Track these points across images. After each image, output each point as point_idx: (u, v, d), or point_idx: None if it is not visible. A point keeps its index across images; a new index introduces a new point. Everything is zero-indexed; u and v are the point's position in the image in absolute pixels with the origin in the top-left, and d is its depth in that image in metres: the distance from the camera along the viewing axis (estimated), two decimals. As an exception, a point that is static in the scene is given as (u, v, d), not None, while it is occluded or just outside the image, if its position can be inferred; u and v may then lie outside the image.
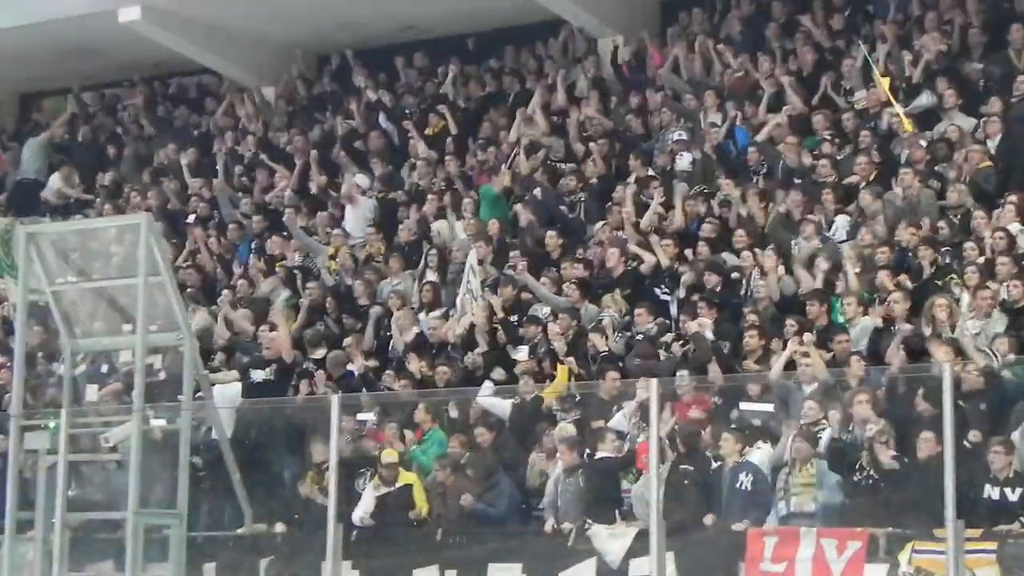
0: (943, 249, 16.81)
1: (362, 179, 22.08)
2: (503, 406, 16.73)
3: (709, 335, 16.43)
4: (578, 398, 16.39)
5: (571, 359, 16.88)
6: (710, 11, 22.85)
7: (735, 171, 19.41)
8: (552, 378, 16.85)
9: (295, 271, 20.70)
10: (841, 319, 16.28)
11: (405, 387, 17.55)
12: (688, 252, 18.33)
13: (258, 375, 17.92)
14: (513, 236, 20.02)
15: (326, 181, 22.56)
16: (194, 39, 24.74)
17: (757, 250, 17.56)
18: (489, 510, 15.74)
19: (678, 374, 15.81)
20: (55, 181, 24.93)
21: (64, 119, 26.51)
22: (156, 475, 15.90)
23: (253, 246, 21.74)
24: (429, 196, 21.18)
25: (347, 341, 18.67)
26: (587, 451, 15.44)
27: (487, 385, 17.13)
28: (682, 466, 14.78)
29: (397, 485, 16.08)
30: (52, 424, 15.94)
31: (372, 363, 18.27)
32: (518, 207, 20.32)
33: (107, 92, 27.19)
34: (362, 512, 16.07)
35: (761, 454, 14.70)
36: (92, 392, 17.20)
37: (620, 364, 16.65)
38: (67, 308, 16.56)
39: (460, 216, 20.44)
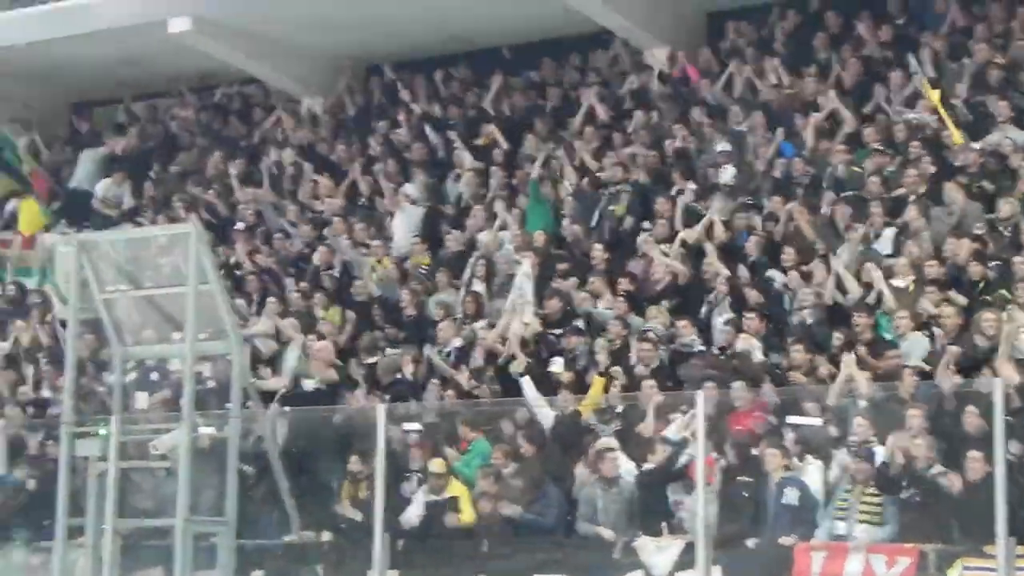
0: (992, 264, 16.75)
1: (411, 189, 22.15)
2: (547, 415, 16.76)
3: (759, 355, 16.39)
4: (618, 410, 16.40)
5: (618, 368, 16.87)
6: (757, 23, 22.82)
7: (781, 185, 19.38)
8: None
9: (343, 280, 20.78)
10: (889, 336, 16.24)
11: (449, 398, 17.59)
12: (725, 265, 18.31)
13: (308, 384, 17.94)
14: (558, 247, 20.04)
15: (373, 191, 22.65)
16: (243, 49, 24.85)
17: (804, 267, 17.55)
18: (538, 519, 15.75)
19: (734, 386, 15.80)
20: (104, 187, 25.11)
21: (122, 137, 26.71)
22: (205, 483, 16.01)
23: (301, 255, 21.84)
24: (475, 207, 21.24)
25: (395, 350, 18.74)
26: (633, 462, 15.46)
27: (526, 382, 17.14)
28: (737, 479, 14.78)
29: (445, 495, 16.13)
30: (103, 431, 16.08)
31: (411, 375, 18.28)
32: (565, 220, 20.35)
33: (156, 102, 27.33)
34: (412, 514, 16.12)
35: (812, 470, 14.69)
36: (142, 400, 17.32)
37: (665, 376, 16.68)
38: (118, 316, 16.71)
39: (504, 227, 20.51)
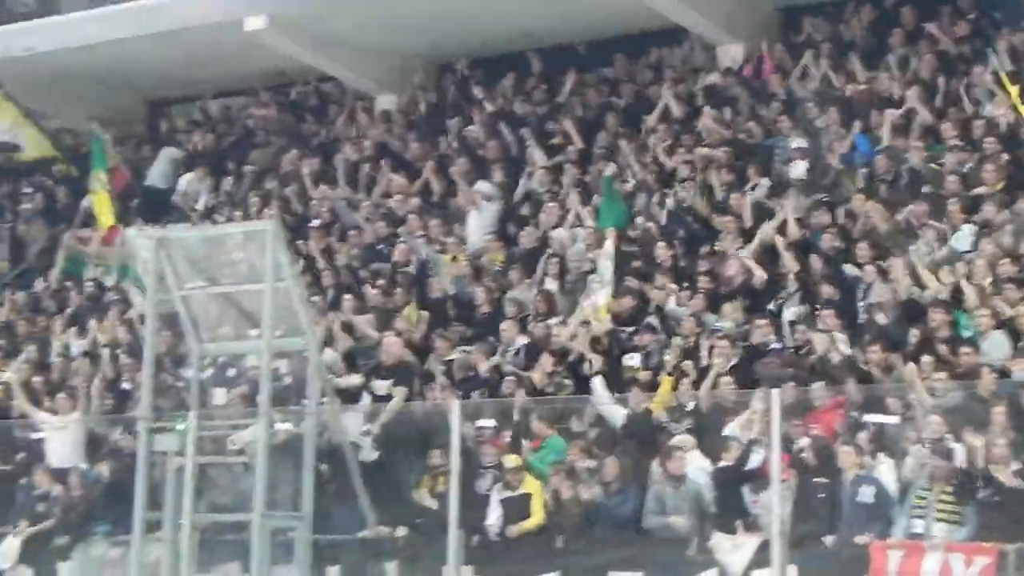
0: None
1: (485, 186, 22.20)
2: (617, 413, 16.76)
3: (845, 348, 16.30)
4: (689, 408, 16.38)
5: (689, 362, 16.83)
6: (832, 18, 22.70)
7: (857, 181, 19.26)
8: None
9: (417, 277, 20.88)
10: (967, 333, 16.13)
11: (522, 394, 17.64)
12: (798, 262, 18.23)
13: (381, 388, 18.03)
14: (631, 244, 20.01)
15: (446, 189, 22.72)
16: (317, 48, 25.00)
17: (880, 263, 17.46)
18: (614, 510, 15.76)
19: (813, 385, 15.74)
20: (187, 182, 25.34)
21: (198, 135, 26.93)
22: (281, 478, 16.11)
23: (377, 252, 21.96)
24: (548, 204, 21.26)
25: (471, 347, 18.81)
26: (708, 460, 15.45)
27: (597, 380, 17.14)
28: (814, 479, 14.74)
29: (519, 491, 16.17)
30: (180, 427, 16.22)
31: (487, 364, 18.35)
32: (639, 218, 20.33)
33: (232, 100, 27.52)
34: (493, 519, 16.20)
35: (886, 468, 14.62)
36: (219, 395, 17.45)
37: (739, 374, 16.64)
38: (195, 313, 16.84)
39: (578, 224, 20.51)
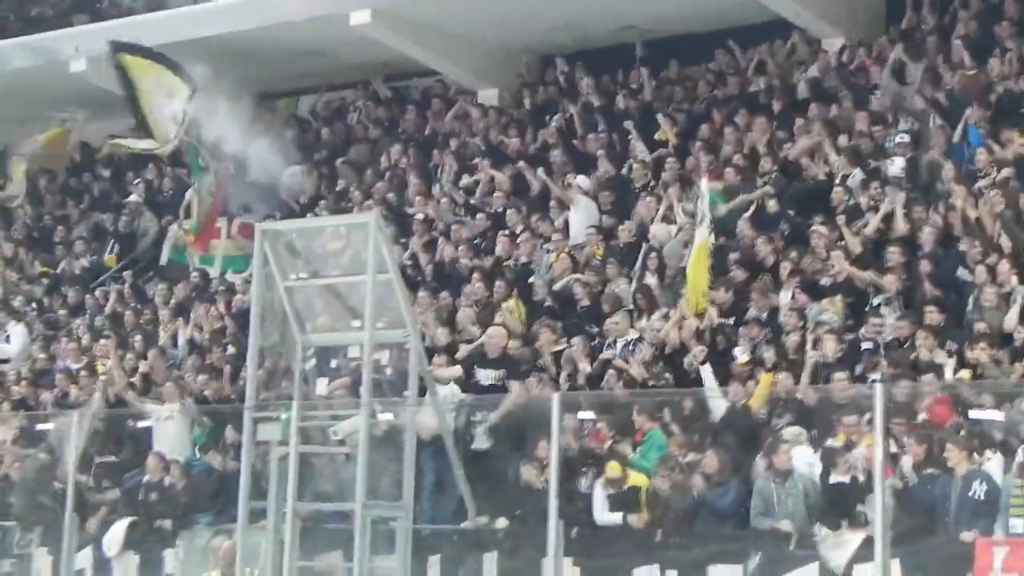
0: None
1: (583, 180, 22.20)
2: (718, 406, 16.71)
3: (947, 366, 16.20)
4: (795, 401, 16.29)
5: (814, 352, 16.72)
6: (939, 10, 22.45)
7: (962, 176, 19.06)
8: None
9: (521, 270, 20.94)
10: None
11: (623, 388, 17.63)
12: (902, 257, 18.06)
13: (487, 376, 18.09)
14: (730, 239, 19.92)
15: (547, 183, 22.75)
16: (421, 41, 25.18)
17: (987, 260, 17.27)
18: (718, 502, 15.72)
19: (920, 380, 15.62)
20: (291, 175, 25.60)
21: (303, 128, 27.17)
22: (382, 468, 16.23)
23: (479, 246, 22.07)
24: (647, 198, 21.22)
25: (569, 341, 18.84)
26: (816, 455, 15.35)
27: (707, 369, 17.12)
28: (916, 474, 14.62)
29: (625, 487, 16.19)
30: (284, 416, 16.40)
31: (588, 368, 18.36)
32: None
33: (337, 94, 27.73)
34: (601, 510, 16.20)
35: (993, 464, 14.47)
36: (322, 386, 17.63)
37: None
38: (298, 304, 17.01)
39: (674, 220, 20.46)
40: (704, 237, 18.48)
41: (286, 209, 24.47)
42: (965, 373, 15.78)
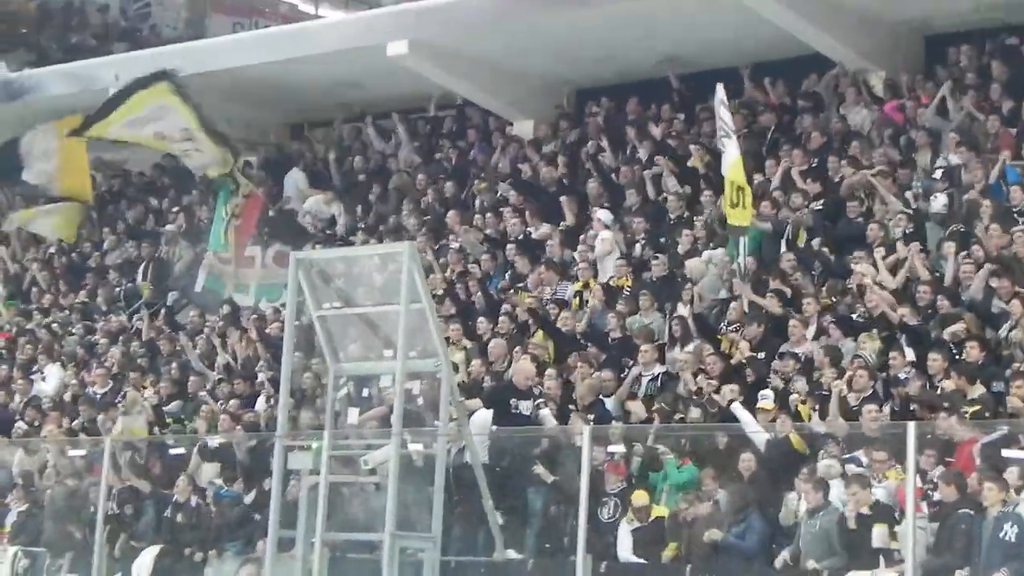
0: None
1: (605, 215, 22.20)
2: (760, 437, 16.65)
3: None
4: (829, 435, 16.19)
5: (841, 383, 16.65)
6: (978, 47, 22.39)
7: (1002, 214, 18.97)
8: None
9: (549, 303, 20.94)
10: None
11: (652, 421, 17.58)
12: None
13: (524, 406, 18.10)
14: (767, 274, 19.85)
15: (580, 215, 22.76)
16: (457, 73, 25.26)
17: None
18: (740, 543, 15.65)
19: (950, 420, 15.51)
20: (313, 204, 25.69)
21: (340, 157, 27.27)
22: (412, 499, 16.20)
23: (507, 277, 22.07)
24: (684, 232, 21.18)
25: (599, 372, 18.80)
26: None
27: (737, 406, 17.03)
28: (952, 512, 14.53)
29: (650, 520, 16.13)
30: (315, 446, 16.40)
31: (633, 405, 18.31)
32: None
33: (375, 124, 27.83)
34: (624, 550, 16.14)
35: (1024, 506, 14.38)
36: (353, 415, 17.65)
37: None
38: (331, 333, 17.04)
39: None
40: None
41: (313, 237, 24.54)
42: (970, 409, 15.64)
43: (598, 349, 19.57)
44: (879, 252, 18.99)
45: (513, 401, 17.93)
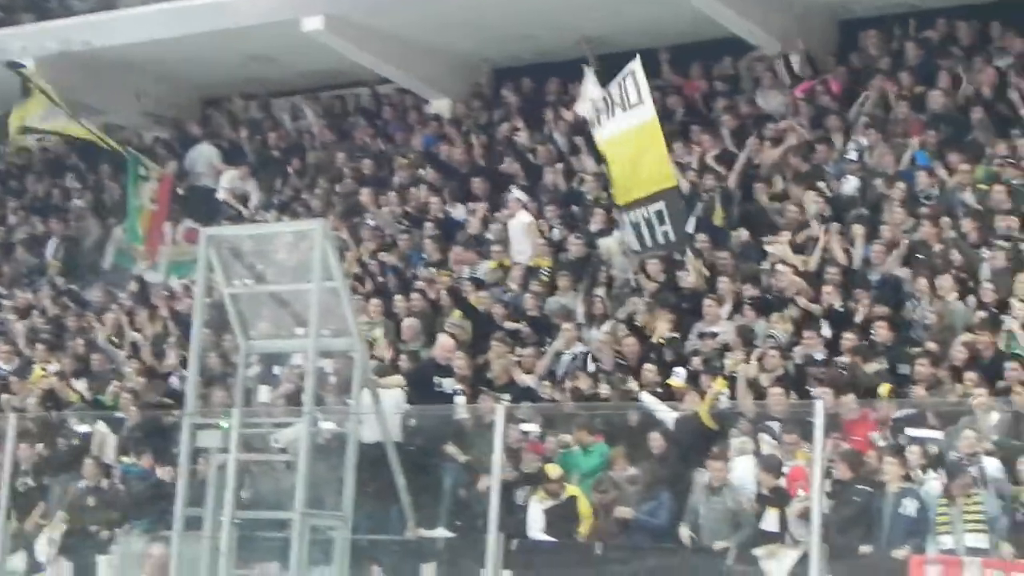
0: None
1: (521, 195, 22.19)
2: (668, 417, 16.70)
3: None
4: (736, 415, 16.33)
5: (744, 365, 16.77)
6: (887, 33, 22.56)
7: (907, 197, 19.15)
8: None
9: (466, 282, 20.90)
10: (1016, 348, 16.02)
11: (567, 401, 17.61)
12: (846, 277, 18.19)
13: (448, 384, 18.00)
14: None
15: (494, 195, 22.73)
16: (373, 49, 25.09)
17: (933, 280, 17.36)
18: (650, 521, 15.74)
19: (846, 398, 15.67)
20: (229, 180, 25.49)
21: (253, 133, 27.06)
22: (323, 477, 16.13)
23: (424, 256, 22.01)
24: (597, 211, 21.21)
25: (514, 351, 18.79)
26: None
27: (645, 394, 17.15)
28: (846, 490, 14.65)
29: (562, 498, 16.14)
30: (224, 424, 16.28)
31: (532, 379, 18.33)
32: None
33: (286, 100, 27.65)
34: (536, 529, 16.16)
35: (934, 484, 14.53)
36: (264, 393, 17.49)
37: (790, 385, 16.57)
38: (242, 310, 16.90)
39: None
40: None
41: (230, 216, 24.34)
42: (884, 389, 15.80)
43: (516, 328, 19.55)
44: (786, 235, 19.07)
45: (436, 379, 17.90)
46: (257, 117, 27.72)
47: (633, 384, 17.53)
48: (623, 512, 15.83)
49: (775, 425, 15.93)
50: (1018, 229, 17.85)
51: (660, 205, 17.88)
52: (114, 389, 20.49)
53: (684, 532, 15.37)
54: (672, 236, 18.01)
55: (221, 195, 25.23)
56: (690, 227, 19.61)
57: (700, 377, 17.19)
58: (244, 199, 25.25)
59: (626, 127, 18.05)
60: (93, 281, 24.97)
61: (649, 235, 18.09)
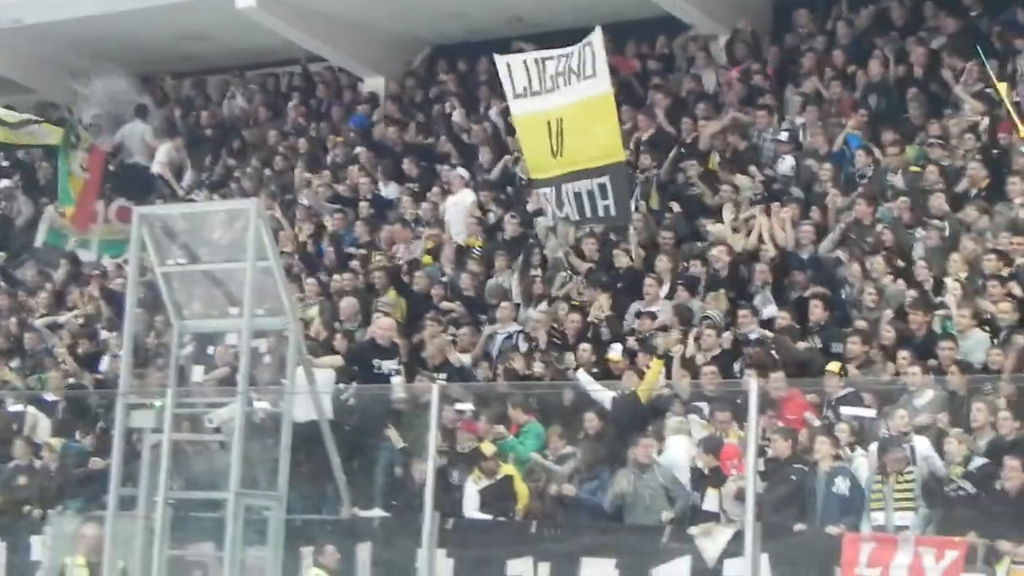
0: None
1: (463, 172, 22.17)
2: (604, 396, 16.76)
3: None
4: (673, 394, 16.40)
5: (679, 346, 16.82)
6: (822, 12, 22.67)
7: (841, 178, 19.26)
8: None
9: (401, 262, 20.86)
10: (951, 328, 16.19)
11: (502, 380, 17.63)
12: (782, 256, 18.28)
13: (387, 366, 17.96)
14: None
15: (430, 173, 22.68)
16: (306, 28, 24.99)
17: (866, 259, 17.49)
18: (593, 499, 15.79)
19: (778, 376, 15.79)
20: (166, 152, 25.31)
21: (186, 111, 26.89)
22: (257, 457, 16.07)
23: (356, 235, 21.95)
24: (533, 191, 21.19)
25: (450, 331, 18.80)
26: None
27: (581, 373, 17.20)
28: (781, 469, 14.77)
29: (498, 477, 16.18)
30: (158, 403, 16.18)
31: (466, 357, 18.34)
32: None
33: (220, 78, 27.48)
34: (471, 508, 16.20)
35: (864, 461, 14.65)
36: (198, 373, 17.40)
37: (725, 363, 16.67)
38: (175, 290, 16.80)
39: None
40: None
41: (163, 193, 24.17)
42: (833, 365, 15.94)
43: (452, 307, 19.54)
44: (728, 213, 19.16)
45: (376, 361, 17.84)
46: (190, 95, 27.54)
47: (569, 362, 17.56)
48: (567, 490, 15.85)
49: (704, 405, 16.02)
50: (950, 209, 17.99)
51: (605, 179, 17.98)
52: (47, 369, 20.31)
53: (612, 502, 15.37)
54: (613, 211, 18.09)
55: (156, 168, 25.03)
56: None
57: (637, 356, 17.24)
58: (180, 170, 25.05)
59: (577, 98, 18.06)
60: (25, 260, 24.75)
61: (590, 207, 18.19)
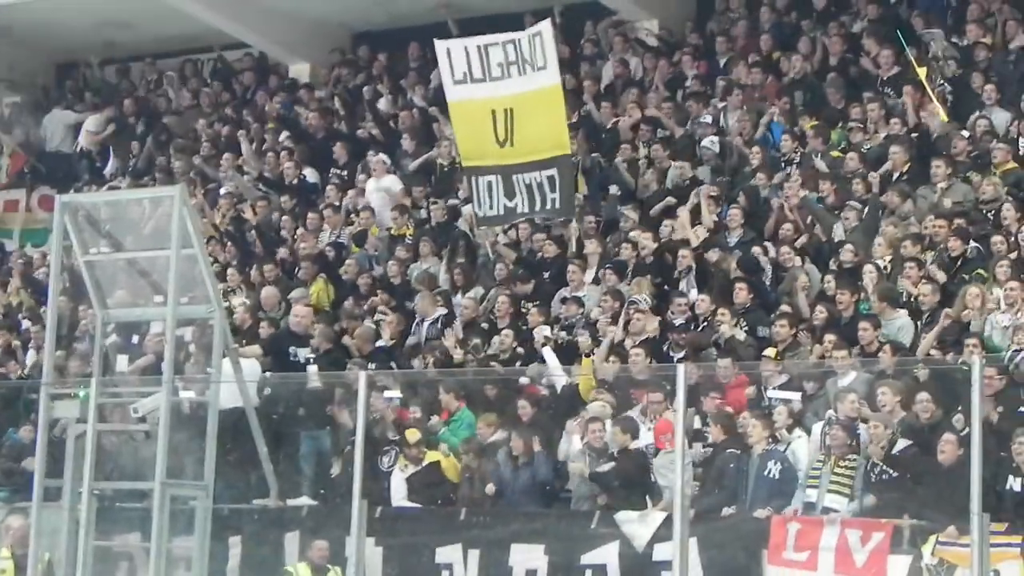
0: (972, 244, 16.76)
1: (385, 157, 22.10)
2: (560, 381, 16.80)
3: (740, 335, 16.48)
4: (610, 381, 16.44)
5: (614, 328, 16.85)
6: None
7: (770, 163, 19.37)
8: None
9: (328, 248, 20.77)
10: (866, 310, 16.34)
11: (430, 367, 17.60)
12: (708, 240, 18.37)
13: (303, 353, 17.88)
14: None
15: (355, 160, 22.59)
16: (230, 14, 24.83)
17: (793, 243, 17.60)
18: (521, 484, 15.79)
19: (718, 361, 15.87)
20: (95, 123, 25.06)
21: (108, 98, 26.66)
22: (184, 447, 15.95)
23: (282, 222, 21.82)
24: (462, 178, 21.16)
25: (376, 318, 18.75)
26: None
27: (548, 351, 17.17)
28: (718, 452, 14.85)
29: (424, 464, 16.14)
30: (82, 393, 16.02)
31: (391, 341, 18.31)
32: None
33: (141, 64, 27.25)
34: (399, 497, 16.18)
35: (799, 443, 14.75)
36: (122, 363, 17.23)
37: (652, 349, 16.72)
38: (99, 278, 16.63)
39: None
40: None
41: (87, 181, 23.94)
42: (770, 351, 16.03)
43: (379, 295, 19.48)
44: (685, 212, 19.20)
45: (292, 349, 17.75)
46: (113, 82, 27.28)
47: (493, 349, 17.57)
48: (489, 490, 15.87)
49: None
50: (874, 192, 18.13)
51: (553, 171, 18.12)
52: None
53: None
54: (559, 204, 18.18)
55: (84, 141, 24.68)
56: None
57: (564, 344, 17.27)
58: (105, 149, 24.78)
59: (527, 88, 18.07)
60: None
61: (540, 199, 18.23)
